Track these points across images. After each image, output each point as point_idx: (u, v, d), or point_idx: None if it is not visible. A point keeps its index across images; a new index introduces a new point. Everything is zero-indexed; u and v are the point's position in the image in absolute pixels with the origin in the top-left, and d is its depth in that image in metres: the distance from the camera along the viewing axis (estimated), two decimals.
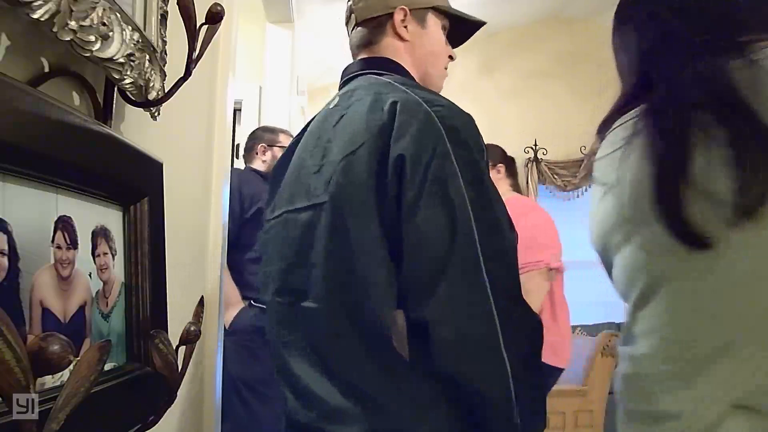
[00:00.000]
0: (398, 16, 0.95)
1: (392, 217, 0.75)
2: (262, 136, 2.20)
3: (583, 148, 4.88)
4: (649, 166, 0.52)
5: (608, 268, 0.62)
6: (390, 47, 0.96)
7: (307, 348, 0.84)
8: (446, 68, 1.01)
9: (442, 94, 0.89)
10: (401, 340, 0.76)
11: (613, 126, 0.60)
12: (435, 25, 0.99)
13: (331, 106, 0.94)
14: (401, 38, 0.96)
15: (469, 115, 0.82)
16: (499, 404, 0.71)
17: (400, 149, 0.74)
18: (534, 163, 4.81)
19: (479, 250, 0.72)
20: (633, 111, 0.58)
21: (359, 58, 0.99)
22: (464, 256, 0.71)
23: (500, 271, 0.73)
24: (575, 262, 4.91)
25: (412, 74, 0.95)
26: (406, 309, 0.76)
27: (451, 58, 1.01)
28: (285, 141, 2.17)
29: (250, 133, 2.27)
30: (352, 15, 1.00)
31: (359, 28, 0.99)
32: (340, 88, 0.98)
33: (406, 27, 0.96)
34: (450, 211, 0.72)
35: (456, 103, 0.83)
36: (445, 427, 0.74)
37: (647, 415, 0.54)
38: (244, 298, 1.96)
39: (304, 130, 1.00)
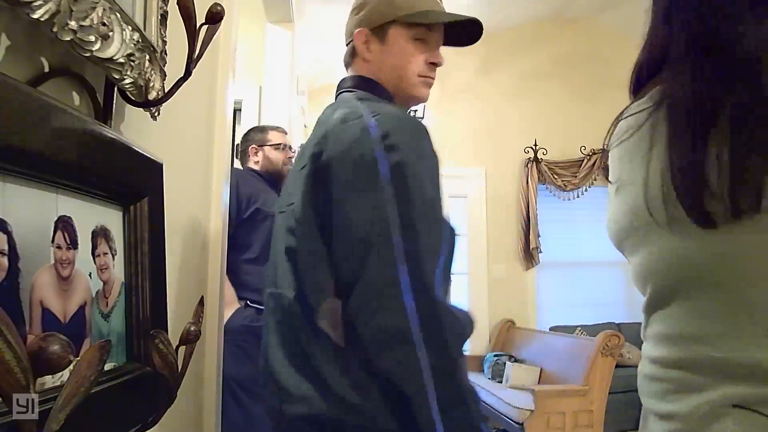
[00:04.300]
0: (358, 40, 1.01)
1: (327, 216, 0.84)
2: (252, 137, 2.21)
3: (582, 148, 4.88)
4: (666, 167, 0.51)
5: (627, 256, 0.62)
6: (360, 68, 1.03)
7: (277, 333, 0.92)
8: (425, 75, 1.01)
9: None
10: (336, 328, 0.83)
11: (627, 112, 0.58)
12: (399, 37, 1.00)
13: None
14: (365, 59, 1.02)
15: (413, 121, 0.87)
16: (414, 399, 0.74)
17: (329, 153, 0.84)
18: (534, 163, 4.81)
19: (397, 248, 0.76)
20: (647, 97, 0.56)
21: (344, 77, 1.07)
22: (381, 254, 0.77)
23: (420, 268, 0.76)
24: (575, 262, 4.93)
25: (388, 88, 1.01)
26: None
27: (434, 64, 1.02)
28: (275, 138, 2.17)
29: (242, 135, 2.27)
30: None
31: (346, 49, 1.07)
32: None
33: (368, 48, 1.01)
34: (370, 210, 0.78)
35: (409, 113, 0.90)
36: (383, 415, 0.78)
37: (658, 414, 0.55)
38: (240, 298, 1.96)
39: None
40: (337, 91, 1.05)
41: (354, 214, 0.80)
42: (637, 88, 0.61)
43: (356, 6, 1.05)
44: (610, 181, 0.62)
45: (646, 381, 0.58)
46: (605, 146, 0.63)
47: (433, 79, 1.03)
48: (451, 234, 0.87)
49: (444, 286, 0.81)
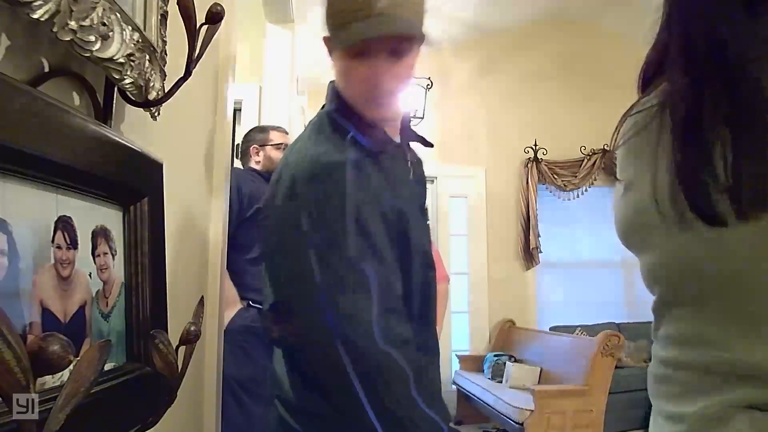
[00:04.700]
0: (327, 49, 0.94)
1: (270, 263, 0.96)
2: (253, 137, 2.21)
3: (582, 148, 4.89)
4: (669, 167, 0.50)
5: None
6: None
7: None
8: (368, 97, 0.88)
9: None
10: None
11: (635, 109, 0.58)
12: (337, 54, 0.89)
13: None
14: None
15: (337, 170, 0.82)
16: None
17: (264, 216, 0.95)
18: (534, 163, 4.81)
19: (326, 310, 0.81)
20: (654, 93, 0.56)
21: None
22: (305, 301, 0.84)
23: (348, 328, 0.80)
24: (575, 262, 4.93)
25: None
26: None
27: (376, 85, 0.86)
28: (277, 138, 2.17)
29: (243, 135, 2.27)
30: None
31: None
32: None
33: (331, 60, 0.95)
34: (297, 276, 0.84)
35: (344, 158, 0.83)
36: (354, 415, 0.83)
37: (669, 415, 0.55)
38: (242, 298, 1.96)
39: None
40: None
41: (284, 277, 0.89)
42: (645, 85, 0.61)
43: None
44: (617, 179, 0.61)
45: (655, 381, 0.57)
46: (613, 143, 0.62)
47: (379, 98, 0.87)
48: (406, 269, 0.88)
49: (396, 324, 0.83)
